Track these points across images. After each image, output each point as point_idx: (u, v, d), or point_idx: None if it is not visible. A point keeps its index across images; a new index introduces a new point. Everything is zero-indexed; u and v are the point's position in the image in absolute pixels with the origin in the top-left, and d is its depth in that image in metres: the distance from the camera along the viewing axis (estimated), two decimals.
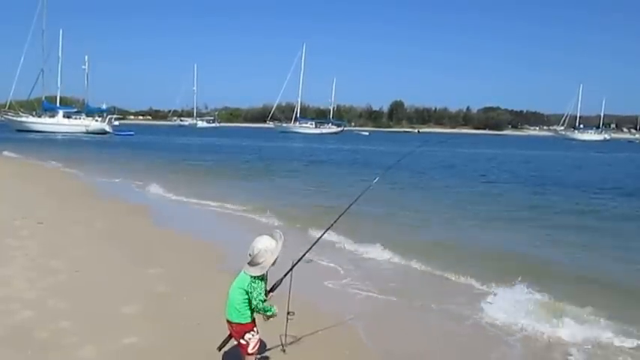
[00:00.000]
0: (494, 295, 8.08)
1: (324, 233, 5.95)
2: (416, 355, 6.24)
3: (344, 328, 6.74)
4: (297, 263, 5.52)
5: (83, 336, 5.96)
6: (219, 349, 5.23)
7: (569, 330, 6.84)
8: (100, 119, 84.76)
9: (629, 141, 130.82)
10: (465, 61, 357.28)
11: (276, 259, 4.93)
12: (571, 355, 6.31)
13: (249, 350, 4.95)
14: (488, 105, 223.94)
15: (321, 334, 6.37)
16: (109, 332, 6.10)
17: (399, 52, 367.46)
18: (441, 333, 7.05)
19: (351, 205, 6.14)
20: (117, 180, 23.23)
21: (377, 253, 10.63)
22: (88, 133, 78.78)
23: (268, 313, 4.93)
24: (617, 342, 6.60)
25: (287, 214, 14.67)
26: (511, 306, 7.55)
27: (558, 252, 11.85)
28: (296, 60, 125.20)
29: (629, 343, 6.57)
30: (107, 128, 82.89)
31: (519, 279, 8.14)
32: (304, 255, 5.64)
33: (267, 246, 4.88)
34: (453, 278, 9.25)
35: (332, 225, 6.06)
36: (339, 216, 6.01)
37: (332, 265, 9.63)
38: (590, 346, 6.51)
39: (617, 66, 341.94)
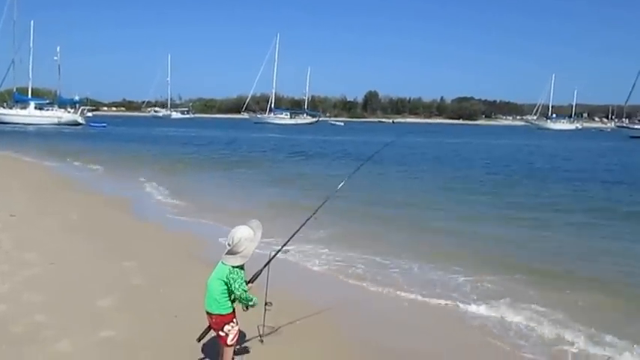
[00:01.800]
0: (472, 284, 8.27)
1: (302, 225, 5.98)
2: (392, 344, 6.32)
3: (321, 317, 6.79)
4: (276, 254, 5.54)
5: (59, 330, 5.91)
6: (199, 340, 5.22)
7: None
8: (72, 111, 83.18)
9: (600, 130, 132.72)
10: (438, 51, 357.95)
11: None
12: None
13: (229, 342, 4.96)
14: (461, 95, 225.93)
15: (298, 324, 6.41)
16: (85, 326, 6.06)
17: (372, 42, 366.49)
18: (416, 322, 7.17)
19: (329, 198, 6.17)
20: (92, 172, 22.93)
21: (353, 244, 10.69)
22: (60, 124, 77.25)
23: (250, 303, 4.95)
24: None
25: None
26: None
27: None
28: (270, 50, 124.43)
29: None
30: (80, 120, 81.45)
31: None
32: (283, 246, 5.66)
33: (245, 235, 4.89)
34: (431, 268, 9.37)
35: (310, 217, 6.08)
36: (317, 209, 6.04)
37: (309, 255, 9.69)
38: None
39: (588, 56, 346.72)
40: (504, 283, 8.53)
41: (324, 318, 6.81)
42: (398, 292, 8.11)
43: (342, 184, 6.44)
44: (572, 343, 6.38)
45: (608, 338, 6.47)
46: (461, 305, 7.57)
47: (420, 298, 7.91)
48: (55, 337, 5.72)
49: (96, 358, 5.35)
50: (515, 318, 7.10)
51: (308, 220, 5.98)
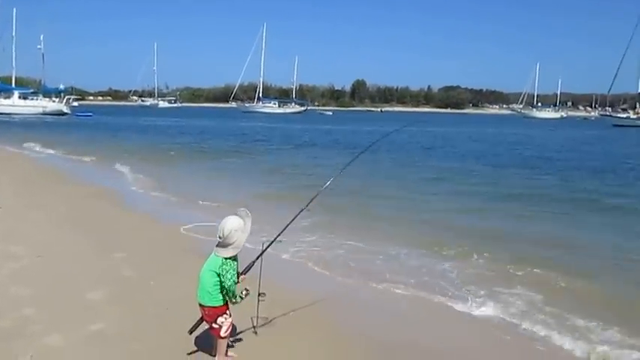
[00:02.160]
0: (463, 274, 8.30)
1: (296, 216, 5.92)
2: (385, 335, 6.28)
3: (314, 308, 6.75)
4: (269, 246, 5.47)
5: (48, 323, 5.80)
6: (191, 332, 5.17)
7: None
8: (57, 100, 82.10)
9: (585, 118, 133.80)
10: (425, 40, 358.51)
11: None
12: None
13: (222, 334, 4.90)
14: (448, 84, 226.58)
15: (292, 315, 6.36)
16: (74, 319, 5.95)
17: (360, 31, 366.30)
18: (408, 312, 7.14)
19: (321, 191, 6.09)
20: (80, 163, 22.67)
21: (347, 235, 10.64)
22: (45, 114, 76.17)
23: (234, 300, 4.88)
24: None
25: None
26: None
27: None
28: (257, 39, 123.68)
29: None
30: (65, 109, 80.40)
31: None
32: (276, 238, 5.59)
33: (236, 226, 4.82)
34: (422, 258, 9.35)
35: (303, 209, 6.01)
36: (310, 201, 5.99)
37: (303, 246, 9.60)
38: None
39: (572, 46, 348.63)
40: (494, 273, 8.55)
41: (318, 309, 6.76)
42: (390, 283, 8.08)
43: (336, 175, 6.36)
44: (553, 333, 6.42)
45: (596, 326, 6.56)
46: (451, 296, 7.57)
47: (411, 288, 7.90)
48: (44, 331, 5.62)
49: (86, 352, 5.26)
50: (508, 309, 7.11)
51: (301, 212, 5.93)
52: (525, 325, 6.58)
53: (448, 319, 6.87)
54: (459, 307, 7.19)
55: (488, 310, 7.06)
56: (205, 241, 8.98)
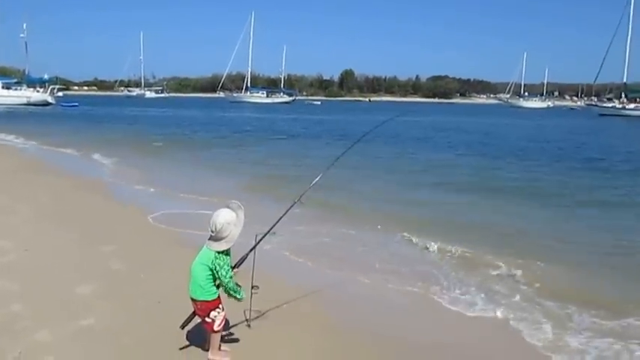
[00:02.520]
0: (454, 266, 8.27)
1: (289, 209, 5.83)
2: (378, 325, 6.24)
3: (307, 300, 6.68)
4: (261, 239, 5.37)
5: (36, 319, 5.67)
6: (183, 327, 5.07)
7: None
8: (42, 90, 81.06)
9: (571, 108, 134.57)
10: (414, 30, 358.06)
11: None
12: None
13: (215, 328, 4.81)
14: (436, 74, 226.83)
15: (285, 308, 6.29)
16: (63, 314, 5.82)
17: (349, 21, 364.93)
18: (401, 303, 7.08)
19: (317, 179, 6.02)
20: (64, 154, 22.37)
21: (337, 226, 10.57)
22: (29, 104, 75.22)
23: (238, 296, 4.81)
24: None
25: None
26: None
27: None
28: (245, 29, 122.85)
29: None
30: (50, 99, 79.42)
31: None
32: (269, 231, 5.48)
33: (228, 219, 4.71)
34: (412, 250, 9.32)
35: (296, 202, 5.92)
36: (303, 193, 5.91)
37: (293, 237, 9.48)
38: None
39: (560, 35, 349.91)
40: (484, 265, 8.52)
41: (310, 300, 6.70)
42: (382, 274, 8.05)
43: (328, 167, 6.27)
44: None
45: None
46: (442, 287, 7.54)
47: (403, 279, 7.86)
48: (32, 327, 5.48)
49: (76, 348, 5.13)
50: (501, 301, 7.12)
51: (294, 204, 5.85)
52: (515, 316, 6.55)
53: (439, 311, 6.82)
54: (450, 298, 7.15)
55: (479, 302, 7.02)
56: (196, 231, 8.91)
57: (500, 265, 8.34)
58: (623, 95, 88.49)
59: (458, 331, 6.25)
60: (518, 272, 8.02)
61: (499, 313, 6.63)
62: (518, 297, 7.15)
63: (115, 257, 8.02)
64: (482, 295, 7.19)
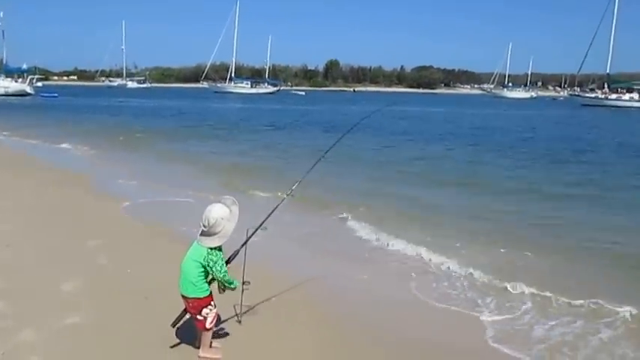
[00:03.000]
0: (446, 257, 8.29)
1: (280, 203, 5.71)
2: (370, 317, 6.18)
3: (298, 293, 6.61)
4: (253, 233, 5.25)
5: (20, 318, 5.49)
6: (174, 325, 4.93)
7: None
8: (20, 80, 79.64)
9: (554, 98, 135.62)
10: (399, 20, 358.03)
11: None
12: None
13: (207, 325, 4.70)
14: (421, 64, 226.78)
15: (275, 301, 6.21)
16: (48, 312, 5.66)
17: (334, 11, 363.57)
18: (387, 295, 7.01)
19: (307, 173, 5.95)
20: (44, 147, 21.97)
21: (328, 217, 10.50)
22: (7, 95, 73.80)
23: (232, 287, 4.70)
24: None
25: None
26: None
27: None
28: (229, 18, 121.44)
29: None
30: (29, 90, 78.00)
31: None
32: (260, 226, 5.35)
33: (222, 214, 4.58)
34: (401, 237, 9.22)
35: (288, 195, 5.84)
36: (293, 186, 5.83)
37: (284, 229, 9.33)
38: None
39: (544, 26, 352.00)
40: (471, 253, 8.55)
41: (301, 293, 6.64)
42: (372, 263, 8.05)
43: (318, 160, 6.16)
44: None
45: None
46: (435, 278, 7.56)
47: (394, 268, 7.89)
48: (16, 326, 5.31)
49: (61, 347, 4.98)
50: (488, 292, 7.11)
51: (285, 199, 5.77)
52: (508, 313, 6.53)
53: (427, 304, 6.77)
54: (443, 288, 7.17)
55: (472, 293, 7.02)
56: (184, 225, 8.78)
57: (505, 255, 8.47)
58: (605, 86, 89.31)
59: (434, 323, 6.24)
60: (506, 267, 8.03)
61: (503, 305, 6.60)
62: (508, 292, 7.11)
63: (101, 252, 7.85)
64: (479, 287, 7.19)
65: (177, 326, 5.00)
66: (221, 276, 4.57)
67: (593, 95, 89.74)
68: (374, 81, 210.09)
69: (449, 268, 7.89)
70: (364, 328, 5.83)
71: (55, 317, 5.54)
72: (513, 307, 6.58)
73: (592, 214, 11.68)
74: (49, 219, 9.86)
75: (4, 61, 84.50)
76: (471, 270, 7.70)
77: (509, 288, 7.08)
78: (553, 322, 6.14)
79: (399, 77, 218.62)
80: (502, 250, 8.75)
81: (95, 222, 9.77)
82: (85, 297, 6.14)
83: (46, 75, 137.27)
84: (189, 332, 5.02)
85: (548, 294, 6.83)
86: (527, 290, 6.95)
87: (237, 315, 5.57)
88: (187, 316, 4.85)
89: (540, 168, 19.08)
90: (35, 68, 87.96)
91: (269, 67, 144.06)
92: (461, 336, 5.89)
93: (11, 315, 5.57)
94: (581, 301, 6.59)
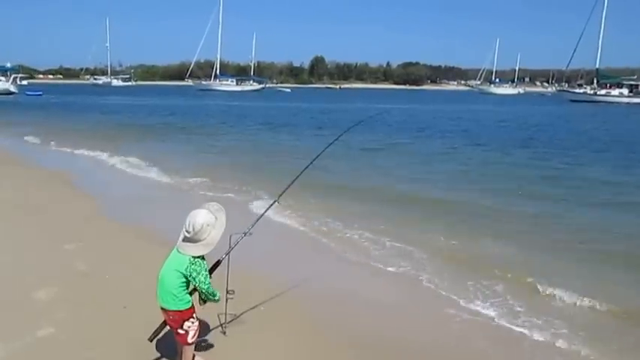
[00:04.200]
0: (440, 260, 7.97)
1: (267, 209, 5.43)
2: (361, 324, 5.88)
3: (285, 299, 6.30)
4: (238, 241, 4.91)
5: None
6: (152, 339, 4.57)
7: None
8: (4, 79, 78.54)
9: (542, 94, 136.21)
10: (385, 15, 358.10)
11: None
12: None
13: (189, 340, 4.36)
14: (407, 60, 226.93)
15: (262, 310, 5.91)
16: (19, 324, 5.31)
17: (319, 7, 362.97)
18: (382, 297, 6.75)
19: (297, 178, 5.65)
20: (24, 145, 21.45)
21: (314, 219, 10.20)
22: None
23: (215, 298, 4.38)
24: None
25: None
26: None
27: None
28: (213, 15, 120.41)
29: None
30: (12, 88, 76.91)
31: None
32: (246, 234, 5.02)
33: (208, 220, 4.24)
34: (391, 239, 8.97)
35: (275, 202, 5.58)
36: (282, 193, 5.57)
37: (270, 236, 8.97)
38: None
39: (531, 21, 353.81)
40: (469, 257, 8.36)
41: (288, 300, 6.31)
42: (361, 266, 7.83)
43: (308, 165, 5.86)
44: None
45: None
46: (428, 280, 7.30)
47: (384, 270, 7.66)
48: None
49: None
50: (491, 296, 6.91)
51: (273, 204, 5.52)
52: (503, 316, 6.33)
53: (426, 305, 6.58)
54: (440, 292, 6.91)
55: (469, 295, 6.78)
56: (167, 228, 8.41)
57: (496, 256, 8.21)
58: (595, 81, 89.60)
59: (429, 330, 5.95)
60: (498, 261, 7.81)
61: (496, 310, 6.38)
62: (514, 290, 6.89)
63: (78, 256, 7.49)
64: (476, 291, 6.94)
65: (156, 339, 4.66)
66: (205, 287, 4.23)
67: (581, 91, 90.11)
68: (360, 78, 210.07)
69: (437, 270, 7.63)
70: (355, 336, 5.54)
71: (27, 329, 5.18)
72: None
73: None
74: (27, 220, 9.49)
75: None
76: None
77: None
78: None
79: (385, 74, 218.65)
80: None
81: (74, 223, 9.40)
82: (59, 306, 5.78)
83: (31, 73, 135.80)
84: (169, 345, 4.69)
85: None
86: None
87: (221, 325, 5.26)
88: (167, 328, 4.51)
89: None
90: (20, 67, 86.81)
91: (254, 65, 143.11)
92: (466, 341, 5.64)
93: None
94: None
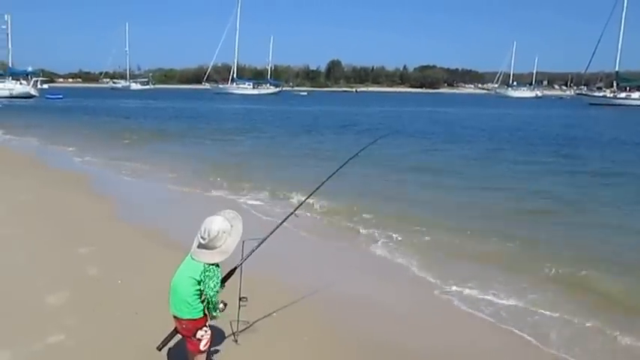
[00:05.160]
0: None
1: (283, 221, 5.30)
2: (376, 332, 5.71)
3: (300, 307, 6.16)
4: (252, 252, 4.76)
5: None
6: (160, 348, 4.42)
7: None
8: (25, 82, 79.67)
9: (560, 97, 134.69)
10: (401, 19, 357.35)
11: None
12: None
13: (202, 348, 4.24)
14: (424, 63, 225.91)
15: (275, 317, 5.78)
16: (30, 330, 5.23)
17: (335, 11, 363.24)
18: (397, 306, 6.60)
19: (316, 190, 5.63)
20: (47, 147, 21.60)
21: (328, 227, 10.08)
22: (12, 97, 73.82)
23: (214, 313, 4.21)
24: None
25: None
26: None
27: None
28: (231, 19, 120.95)
29: None
30: (33, 92, 78.07)
31: None
32: (261, 243, 4.87)
33: (223, 227, 4.13)
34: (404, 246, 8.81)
35: (291, 214, 5.43)
36: (299, 205, 5.51)
37: (281, 239, 8.85)
38: None
39: (549, 24, 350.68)
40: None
41: (303, 306, 6.17)
42: (376, 272, 7.69)
43: (329, 177, 5.72)
44: None
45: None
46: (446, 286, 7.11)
47: (399, 276, 7.54)
48: None
49: None
50: (506, 300, 6.70)
51: (289, 216, 5.35)
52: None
53: (443, 312, 6.41)
54: (459, 301, 6.72)
55: (476, 294, 6.74)
56: (180, 232, 8.33)
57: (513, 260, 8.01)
58: (614, 84, 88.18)
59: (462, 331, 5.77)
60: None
61: (511, 314, 6.17)
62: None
63: (92, 260, 7.45)
64: (484, 290, 6.78)
65: (167, 347, 4.54)
66: (211, 294, 4.07)
67: (600, 94, 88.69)
68: (376, 81, 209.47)
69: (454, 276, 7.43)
70: (370, 344, 5.40)
71: (37, 335, 5.12)
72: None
73: None
74: (44, 223, 9.49)
75: (10, 64, 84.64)
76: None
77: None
78: None
79: (401, 77, 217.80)
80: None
81: (89, 226, 9.39)
82: (70, 312, 5.72)
83: (51, 77, 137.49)
84: (180, 354, 4.58)
85: None
86: None
87: (233, 334, 5.14)
88: (177, 336, 4.39)
89: None
90: (41, 71, 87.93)
91: (271, 68, 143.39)
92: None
93: None
94: None
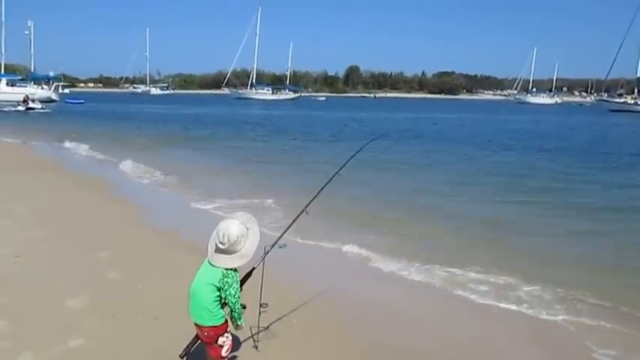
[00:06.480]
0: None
1: (294, 221, 5.26)
2: (399, 343, 5.61)
3: (322, 311, 6.14)
4: (268, 252, 4.75)
5: (20, 339, 5.07)
6: (182, 356, 4.39)
7: None
8: (46, 87, 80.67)
9: (580, 104, 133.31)
10: (420, 24, 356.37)
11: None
12: None
13: (223, 354, 4.22)
14: (443, 69, 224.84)
15: (296, 323, 5.73)
16: (51, 333, 5.24)
17: (354, 16, 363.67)
18: (415, 310, 6.53)
19: (325, 185, 5.55)
20: (69, 151, 21.82)
21: (348, 229, 9.98)
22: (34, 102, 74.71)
23: (239, 322, 4.20)
24: None
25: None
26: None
27: None
28: (251, 25, 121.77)
29: None
30: (54, 96, 78.83)
31: None
32: (275, 243, 4.87)
33: (241, 231, 4.10)
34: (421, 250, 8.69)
35: (303, 210, 5.33)
36: (310, 201, 5.36)
37: (304, 248, 8.77)
38: None
39: (569, 31, 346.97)
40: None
41: (324, 313, 6.13)
42: (396, 277, 7.65)
43: (336, 172, 5.74)
44: None
45: None
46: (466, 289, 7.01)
47: (414, 277, 7.53)
48: (13, 349, 4.88)
49: None
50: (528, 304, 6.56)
51: (300, 214, 5.27)
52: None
53: (466, 317, 6.34)
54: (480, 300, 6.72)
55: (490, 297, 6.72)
56: (201, 235, 8.32)
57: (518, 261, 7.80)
58: (635, 91, 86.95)
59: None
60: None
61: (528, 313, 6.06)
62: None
63: (113, 264, 7.46)
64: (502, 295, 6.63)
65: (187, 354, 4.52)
66: (234, 301, 4.05)
67: (621, 100, 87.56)
68: (394, 87, 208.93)
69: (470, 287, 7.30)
70: (392, 350, 5.33)
71: (58, 339, 5.11)
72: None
73: None
74: (64, 226, 9.55)
75: (32, 69, 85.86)
76: None
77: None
78: None
79: (420, 83, 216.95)
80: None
81: (110, 229, 9.45)
82: (91, 316, 5.71)
83: (72, 82, 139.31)
84: (200, 358, 4.55)
85: None
86: None
87: (253, 339, 5.09)
88: (197, 342, 4.38)
89: None
90: (62, 75, 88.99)
91: (290, 74, 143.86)
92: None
93: (11, 335, 5.16)
94: None
